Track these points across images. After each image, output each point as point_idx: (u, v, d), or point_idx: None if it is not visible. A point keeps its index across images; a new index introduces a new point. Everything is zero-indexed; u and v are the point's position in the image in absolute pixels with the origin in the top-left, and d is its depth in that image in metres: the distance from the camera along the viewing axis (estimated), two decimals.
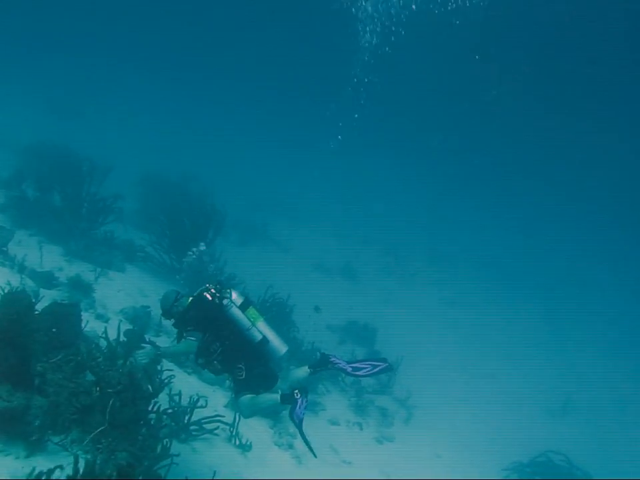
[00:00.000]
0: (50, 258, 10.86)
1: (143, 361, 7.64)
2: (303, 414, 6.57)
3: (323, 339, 13.17)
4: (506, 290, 21.96)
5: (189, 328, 6.75)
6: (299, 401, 6.50)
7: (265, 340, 6.69)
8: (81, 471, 4.01)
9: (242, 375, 6.66)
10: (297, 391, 6.55)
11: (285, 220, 22.98)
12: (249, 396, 6.64)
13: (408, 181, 33.50)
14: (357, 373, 6.95)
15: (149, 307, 9.98)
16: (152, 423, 6.30)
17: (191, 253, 12.46)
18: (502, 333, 18.40)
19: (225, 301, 6.69)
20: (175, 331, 7.00)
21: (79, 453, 5.58)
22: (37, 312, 6.59)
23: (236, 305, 6.73)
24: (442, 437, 11.63)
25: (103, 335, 7.22)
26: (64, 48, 36.82)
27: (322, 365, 7.02)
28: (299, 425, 6.37)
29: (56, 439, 5.51)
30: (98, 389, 5.98)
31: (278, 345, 6.82)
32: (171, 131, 29.70)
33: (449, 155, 38.16)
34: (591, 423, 14.50)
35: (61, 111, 25.88)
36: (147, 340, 7.60)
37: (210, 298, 6.75)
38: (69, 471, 4.56)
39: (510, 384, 15.18)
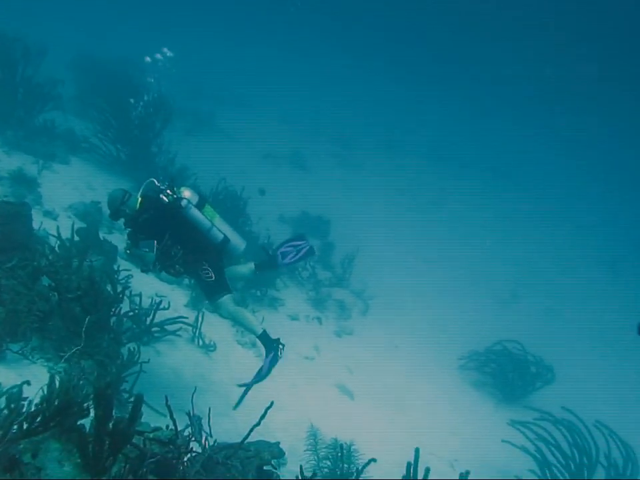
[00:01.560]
0: None
1: (99, 262, 7.39)
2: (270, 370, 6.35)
3: (276, 230, 12.99)
4: (458, 177, 22.02)
5: (141, 236, 6.40)
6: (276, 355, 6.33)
7: (225, 239, 6.46)
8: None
9: (211, 277, 6.47)
10: (281, 346, 6.35)
11: (231, 107, 22.22)
12: (227, 300, 6.50)
13: (360, 67, 32.61)
14: (285, 260, 6.97)
15: (99, 202, 9.48)
16: (114, 327, 6.07)
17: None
18: (453, 220, 18.55)
19: (184, 202, 6.31)
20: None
21: (41, 361, 5.36)
22: None
23: (193, 205, 6.37)
24: (398, 328, 11.80)
25: (55, 235, 6.85)
26: None
27: (269, 266, 6.97)
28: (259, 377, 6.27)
29: (15, 348, 5.24)
30: (56, 294, 5.68)
31: (237, 241, 6.63)
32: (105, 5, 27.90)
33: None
34: (539, 309, 14.99)
35: None
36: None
37: (166, 199, 6.34)
38: (37, 385, 4.34)
39: (461, 271, 15.43)
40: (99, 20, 25.38)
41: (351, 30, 38.08)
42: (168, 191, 6.40)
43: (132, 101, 12.56)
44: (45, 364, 5.33)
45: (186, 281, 8.92)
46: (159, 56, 15.37)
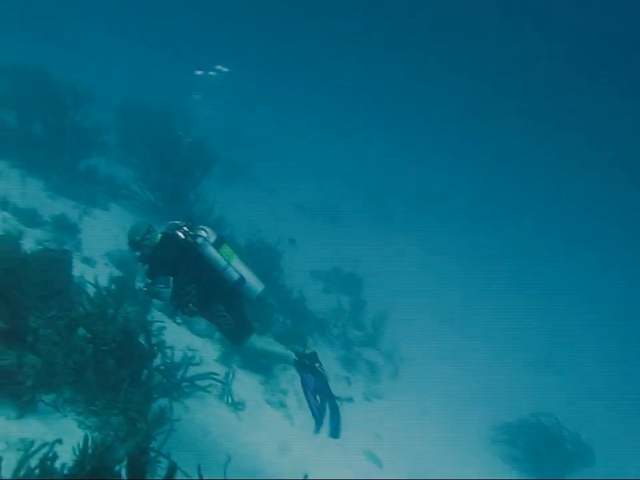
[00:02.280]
0: (32, 192, 10.38)
1: (134, 312, 7.39)
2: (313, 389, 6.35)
3: (308, 286, 12.99)
4: (491, 244, 21.93)
5: (159, 273, 6.33)
6: (316, 374, 6.39)
7: (241, 279, 6.35)
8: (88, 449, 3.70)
9: (230, 323, 6.38)
10: (319, 364, 6.41)
11: (268, 158, 22.45)
12: (255, 338, 6.46)
13: (395, 126, 32.93)
14: (309, 397, 6.35)
15: None
16: (146, 381, 6.03)
17: None
18: (487, 286, 18.33)
19: (199, 239, 6.27)
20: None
21: (72, 414, 5.32)
22: (26, 254, 6.24)
23: (210, 243, 6.32)
24: (429, 393, 11.57)
25: (92, 283, 6.89)
26: None
27: (305, 368, 6.52)
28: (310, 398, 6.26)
29: (48, 399, 5.22)
30: (91, 346, 5.67)
31: (254, 283, 6.48)
32: (152, 57, 28.63)
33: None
34: (573, 380, 14.62)
35: (36, 30, 24.65)
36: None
37: (182, 236, 6.32)
38: (68, 442, 4.30)
39: (495, 337, 15.20)
40: (146, 69, 26.05)
41: (390, 94, 38.47)
42: (185, 228, 6.41)
43: (174, 148, 12.75)
44: (76, 417, 5.29)
45: (217, 334, 8.87)
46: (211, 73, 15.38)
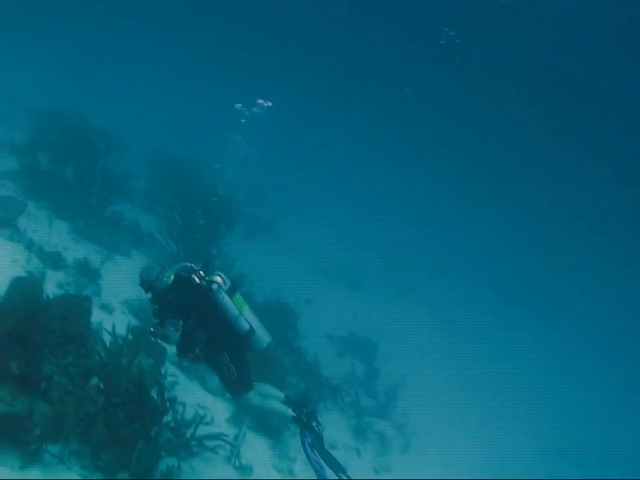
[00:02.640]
0: (57, 235, 10.43)
1: (148, 363, 7.29)
2: (311, 443, 6.31)
3: (323, 349, 12.84)
4: (510, 311, 21.73)
5: (169, 315, 6.28)
6: (312, 432, 6.36)
7: (251, 330, 6.30)
8: None
9: (233, 374, 6.28)
10: (316, 423, 6.34)
11: (291, 216, 22.62)
12: (252, 394, 6.39)
13: (416, 191, 33.11)
14: (310, 453, 6.29)
15: None
16: (155, 438, 5.88)
17: None
18: (504, 357, 18.08)
19: (214, 286, 6.21)
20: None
21: (77, 468, 5.18)
22: (46, 297, 6.20)
23: (224, 290, 6.26)
24: (440, 471, 11.23)
25: (109, 331, 6.82)
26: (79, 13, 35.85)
27: (304, 424, 6.48)
28: (309, 454, 6.24)
29: (54, 450, 5.10)
30: (104, 397, 5.57)
31: (263, 335, 6.44)
32: (181, 109, 29.16)
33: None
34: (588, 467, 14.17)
35: (74, 75, 25.32)
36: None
37: (197, 281, 6.26)
38: None
39: (508, 414, 14.87)
40: (178, 118, 26.52)
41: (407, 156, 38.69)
42: (201, 272, 6.33)
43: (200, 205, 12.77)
44: (80, 471, 5.16)
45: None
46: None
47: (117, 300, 9.33)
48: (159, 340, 6.68)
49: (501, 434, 13.67)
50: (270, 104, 19.36)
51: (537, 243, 32.55)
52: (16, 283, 6.46)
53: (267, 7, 31.39)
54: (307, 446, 6.32)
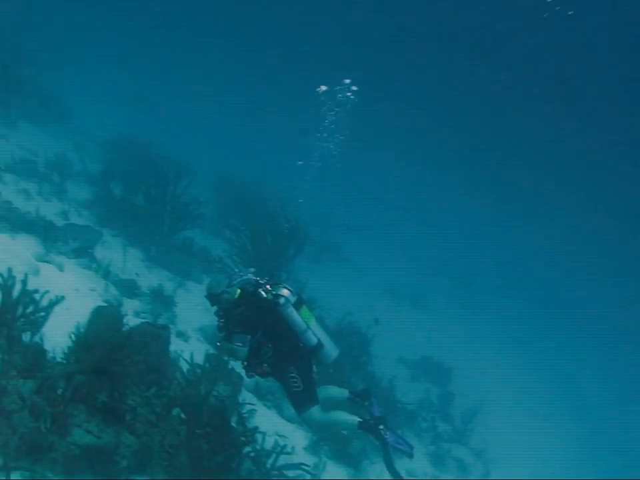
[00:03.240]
0: (131, 262, 10.56)
1: (226, 392, 7.21)
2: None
3: (396, 373, 12.57)
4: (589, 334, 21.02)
5: (236, 329, 6.22)
6: (389, 438, 6.14)
7: (320, 344, 6.18)
8: None
9: (299, 387, 6.15)
10: (382, 427, 6.13)
11: (357, 238, 22.44)
12: (315, 411, 6.18)
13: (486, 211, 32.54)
14: (385, 436, 6.19)
15: None
16: (237, 469, 5.77)
17: None
18: (586, 381, 17.45)
19: (282, 300, 6.12)
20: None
21: None
22: (131, 329, 6.21)
23: (291, 304, 6.14)
24: None
25: (187, 360, 6.79)
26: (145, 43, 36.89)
27: (362, 397, 6.51)
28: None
29: None
30: (186, 428, 5.50)
31: (331, 348, 6.32)
32: (248, 134, 29.44)
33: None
34: None
35: (139, 104, 25.89)
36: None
37: (264, 295, 6.17)
38: None
39: (594, 440, 14.27)
40: (245, 144, 26.78)
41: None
42: (267, 286, 6.20)
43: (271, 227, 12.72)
44: None
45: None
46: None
47: (192, 327, 9.34)
48: (225, 356, 6.60)
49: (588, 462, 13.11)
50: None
51: (609, 260, 31.47)
52: (97, 313, 6.52)
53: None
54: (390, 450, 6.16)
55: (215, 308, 6.62)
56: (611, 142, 33.46)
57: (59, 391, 4.80)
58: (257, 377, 6.56)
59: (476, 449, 11.84)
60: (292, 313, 6.15)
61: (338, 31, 34.97)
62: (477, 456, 11.67)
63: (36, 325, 5.80)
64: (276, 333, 6.16)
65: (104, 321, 6.04)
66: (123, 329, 5.49)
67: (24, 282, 5.67)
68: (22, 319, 5.67)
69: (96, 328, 5.64)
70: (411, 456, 6.44)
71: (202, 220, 13.35)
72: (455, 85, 34.86)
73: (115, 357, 4.84)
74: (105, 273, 9.23)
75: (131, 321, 6.68)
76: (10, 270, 5.61)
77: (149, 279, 10.35)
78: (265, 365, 6.24)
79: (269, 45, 40.40)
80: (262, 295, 6.23)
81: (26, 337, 5.69)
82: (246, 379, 7.99)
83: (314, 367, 6.43)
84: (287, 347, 6.15)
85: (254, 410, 7.82)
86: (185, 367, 6.98)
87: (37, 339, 5.73)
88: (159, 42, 37.94)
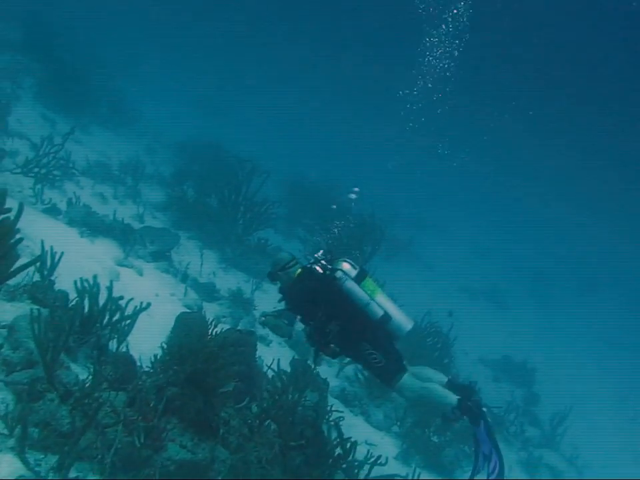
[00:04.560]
0: (207, 264, 10.40)
1: (313, 399, 6.92)
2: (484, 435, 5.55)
3: (478, 375, 12.07)
4: None
5: (294, 308, 5.83)
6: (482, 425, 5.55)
7: (386, 316, 5.63)
8: None
9: (380, 361, 5.65)
10: (484, 408, 5.58)
11: (429, 235, 21.89)
12: (409, 377, 5.68)
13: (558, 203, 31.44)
14: (482, 448, 5.54)
15: None
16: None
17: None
18: None
19: (338, 274, 5.66)
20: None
21: None
22: (224, 338, 5.99)
23: (350, 278, 5.68)
24: None
25: (273, 369, 6.56)
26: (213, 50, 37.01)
27: (465, 392, 5.75)
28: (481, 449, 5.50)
29: None
30: (280, 440, 5.22)
31: (402, 320, 5.72)
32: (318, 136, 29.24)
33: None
34: None
35: (209, 109, 25.94)
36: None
37: (320, 271, 5.75)
38: None
39: None
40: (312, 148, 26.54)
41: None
42: (323, 262, 5.84)
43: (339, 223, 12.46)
44: None
45: (395, 428, 8.22)
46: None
47: None
48: (268, 329, 6.21)
49: None
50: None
51: None
52: (182, 321, 6.33)
53: None
54: (480, 438, 5.57)
55: (271, 277, 6.26)
56: None
57: (152, 404, 4.59)
58: (334, 363, 6.09)
59: (567, 455, 11.26)
60: (350, 285, 5.66)
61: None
62: (569, 462, 11.10)
63: (122, 333, 5.65)
64: (337, 309, 5.69)
65: (191, 328, 5.84)
66: (212, 337, 5.21)
67: (109, 289, 5.53)
68: (109, 327, 5.54)
69: (185, 336, 5.43)
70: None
71: (275, 220, 13.15)
72: None
73: (209, 368, 4.59)
74: (183, 276, 9.10)
75: (218, 327, 6.41)
76: (95, 277, 5.47)
77: (227, 280, 10.20)
78: (333, 345, 5.76)
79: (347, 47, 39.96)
80: (317, 270, 5.81)
81: (112, 345, 5.54)
82: (331, 386, 7.76)
83: (388, 339, 5.84)
84: (352, 323, 5.67)
85: (341, 417, 7.53)
86: (271, 373, 6.80)
87: (123, 347, 5.58)
88: (230, 44, 38.12)
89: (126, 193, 11.88)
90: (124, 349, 5.56)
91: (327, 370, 8.69)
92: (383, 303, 5.73)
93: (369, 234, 12.52)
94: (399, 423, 8.35)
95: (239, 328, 8.06)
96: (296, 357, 8.26)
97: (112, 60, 20.11)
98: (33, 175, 9.19)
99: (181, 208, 11.88)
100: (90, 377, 4.59)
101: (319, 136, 29.51)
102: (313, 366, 6.50)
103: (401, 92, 18.65)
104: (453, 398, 5.65)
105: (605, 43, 27.73)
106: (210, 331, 5.82)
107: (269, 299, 10.52)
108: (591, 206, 34.43)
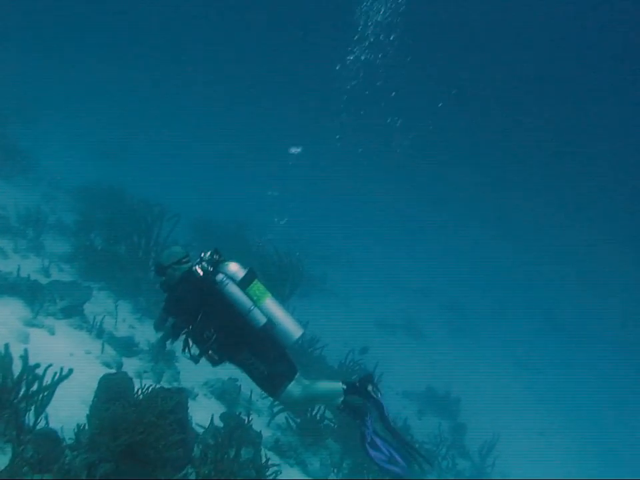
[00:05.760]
0: (121, 316, 9.82)
1: (248, 455, 6.57)
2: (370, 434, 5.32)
3: (403, 409, 12.02)
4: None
5: (173, 310, 5.64)
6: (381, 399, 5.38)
7: (269, 324, 5.34)
8: None
9: (263, 371, 5.40)
10: (371, 387, 5.37)
11: (341, 269, 21.83)
12: (292, 387, 5.42)
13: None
14: (371, 451, 5.38)
15: (237, 379, 8.76)
16: None
17: None
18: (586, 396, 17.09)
19: (220, 276, 5.39)
20: None
21: None
22: (139, 394, 5.58)
23: (234, 281, 5.40)
24: None
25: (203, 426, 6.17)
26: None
27: (359, 391, 5.47)
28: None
29: None
30: None
31: (289, 327, 5.46)
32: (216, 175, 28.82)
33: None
34: None
35: (107, 153, 25.08)
36: None
37: (201, 273, 5.46)
38: None
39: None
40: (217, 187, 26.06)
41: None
42: (203, 263, 5.53)
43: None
44: None
45: (333, 475, 7.93)
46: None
47: (197, 383, 8.63)
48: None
49: None
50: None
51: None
52: (105, 384, 5.82)
53: None
54: (367, 444, 5.35)
55: (156, 270, 6.02)
56: None
57: None
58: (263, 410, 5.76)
59: None
60: (232, 290, 5.37)
61: None
62: None
63: (41, 405, 5.10)
64: (217, 315, 5.41)
65: (117, 392, 5.37)
66: (147, 405, 4.75)
67: (24, 358, 5.00)
68: (25, 400, 4.98)
69: (111, 403, 4.95)
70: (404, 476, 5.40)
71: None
72: None
73: (147, 439, 4.16)
74: (98, 331, 8.53)
75: (143, 387, 5.93)
76: (7, 346, 4.94)
77: (143, 332, 9.64)
78: (211, 351, 5.48)
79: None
80: (197, 272, 5.48)
81: (28, 418, 4.99)
82: (264, 437, 7.37)
83: (274, 347, 5.55)
84: (231, 329, 5.39)
85: (279, 471, 7.17)
86: (200, 430, 6.42)
87: (40, 420, 5.03)
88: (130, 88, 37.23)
89: (28, 245, 11.12)
90: (42, 422, 5.03)
91: (257, 420, 8.29)
92: (269, 309, 5.43)
93: (286, 274, 12.28)
94: (335, 470, 8.07)
95: (167, 387, 7.56)
96: (223, 409, 7.86)
97: (1, 104, 19.17)
98: None
99: (88, 258, 11.20)
100: (9, 462, 4.08)
101: (220, 174, 29.01)
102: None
103: None
104: (338, 387, 5.45)
105: None
106: (136, 392, 5.39)
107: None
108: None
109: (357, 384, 5.50)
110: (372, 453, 5.40)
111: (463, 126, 36.29)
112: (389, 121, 24.08)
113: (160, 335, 6.01)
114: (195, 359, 5.71)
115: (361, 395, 5.44)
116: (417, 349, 17.44)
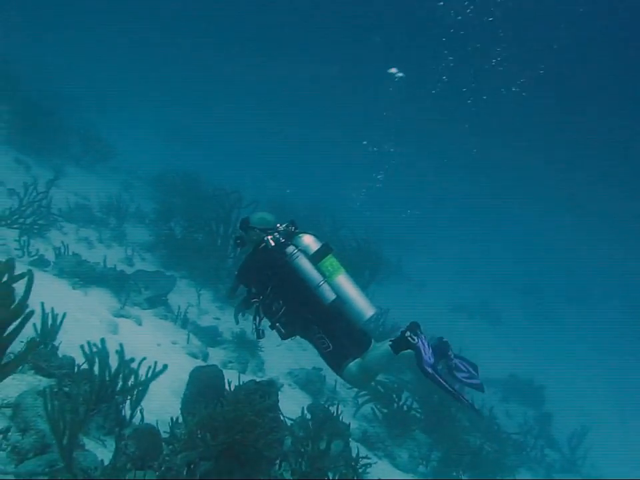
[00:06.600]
0: (204, 304, 9.89)
1: (338, 447, 6.45)
2: (432, 359, 4.83)
3: (486, 397, 11.64)
4: None
5: (242, 279, 5.46)
6: (419, 344, 4.80)
7: (338, 300, 5.10)
8: None
9: (328, 347, 5.16)
10: (408, 333, 4.86)
11: (416, 255, 21.48)
12: (352, 364, 5.12)
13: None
14: (456, 373, 5.08)
15: (321, 369, 8.68)
16: None
17: None
18: None
19: (290, 249, 5.19)
20: None
21: None
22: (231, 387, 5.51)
23: (306, 254, 5.19)
24: None
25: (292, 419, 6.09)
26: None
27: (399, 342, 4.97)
28: (437, 379, 4.65)
29: None
30: None
31: (361, 306, 5.17)
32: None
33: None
34: None
35: (181, 139, 25.40)
36: None
37: (272, 243, 5.28)
38: None
39: None
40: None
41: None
42: (276, 234, 5.35)
43: None
44: None
45: (422, 468, 7.76)
46: None
47: (281, 372, 8.62)
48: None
49: None
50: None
51: None
52: (197, 377, 5.79)
53: None
54: (428, 367, 4.76)
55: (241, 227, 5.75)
56: None
57: None
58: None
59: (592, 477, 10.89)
60: (302, 263, 5.16)
61: None
62: None
63: (137, 399, 5.10)
64: (285, 288, 5.22)
65: (206, 386, 5.35)
66: (256, 405, 4.60)
67: (120, 353, 4.98)
68: (122, 395, 4.98)
69: (204, 396, 4.90)
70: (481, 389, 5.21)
71: None
72: None
73: (247, 438, 4.07)
74: (183, 321, 8.56)
75: (235, 381, 5.87)
76: (103, 340, 4.93)
77: (226, 321, 9.64)
78: (278, 324, 5.32)
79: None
80: (269, 242, 5.31)
81: (124, 411, 5.00)
82: (351, 428, 7.24)
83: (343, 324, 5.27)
84: (300, 303, 5.19)
85: (368, 463, 7.05)
86: (288, 422, 6.32)
87: (136, 414, 5.02)
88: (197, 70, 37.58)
89: (111, 235, 11.30)
90: (138, 416, 5.02)
91: (343, 411, 8.16)
92: (341, 286, 5.19)
93: (365, 260, 12.13)
94: (424, 462, 7.91)
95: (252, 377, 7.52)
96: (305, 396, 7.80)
97: (80, 95, 19.57)
98: (17, 226, 8.61)
99: (168, 246, 11.31)
100: (112, 457, 4.06)
101: (297, 158, 29.07)
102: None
103: None
104: (387, 348, 5.02)
105: None
106: (227, 386, 5.37)
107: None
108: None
109: (400, 337, 5.03)
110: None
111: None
112: None
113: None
114: (259, 333, 5.55)
115: (402, 344, 5.14)
116: (494, 334, 17.04)
